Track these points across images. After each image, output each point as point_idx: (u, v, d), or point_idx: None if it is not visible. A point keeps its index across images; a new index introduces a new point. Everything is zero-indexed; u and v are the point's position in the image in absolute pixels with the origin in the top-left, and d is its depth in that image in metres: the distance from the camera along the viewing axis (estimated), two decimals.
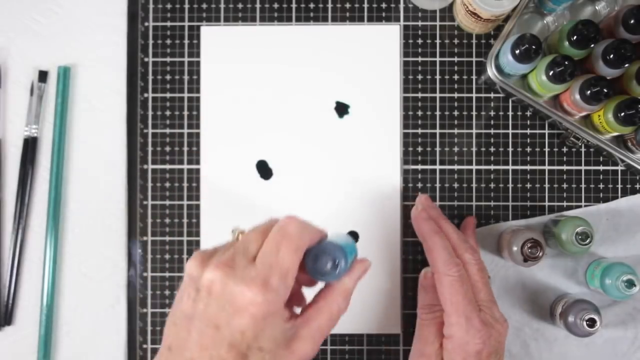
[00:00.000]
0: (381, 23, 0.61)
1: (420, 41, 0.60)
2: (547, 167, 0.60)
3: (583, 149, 0.60)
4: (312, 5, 0.61)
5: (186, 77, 0.61)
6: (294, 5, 0.61)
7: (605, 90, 0.51)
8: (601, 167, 0.60)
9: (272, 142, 0.60)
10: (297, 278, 0.42)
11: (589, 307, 0.54)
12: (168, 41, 0.61)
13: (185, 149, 0.61)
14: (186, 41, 0.61)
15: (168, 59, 0.61)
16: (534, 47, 0.51)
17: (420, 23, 0.61)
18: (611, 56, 0.50)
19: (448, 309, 0.49)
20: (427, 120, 0.60)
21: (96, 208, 0.61)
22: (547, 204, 0.60)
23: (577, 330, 0.54)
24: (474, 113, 0.60)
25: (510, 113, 0.60)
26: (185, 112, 0.61)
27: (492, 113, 0.60)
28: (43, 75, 0.60)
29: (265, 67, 0.61)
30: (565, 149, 0.60)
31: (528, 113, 0.60)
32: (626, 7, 0.51)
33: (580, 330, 0.54)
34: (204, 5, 0.61)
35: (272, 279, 0.37)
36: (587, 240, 0.53)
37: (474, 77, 0.60)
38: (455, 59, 0.60)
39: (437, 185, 0.60)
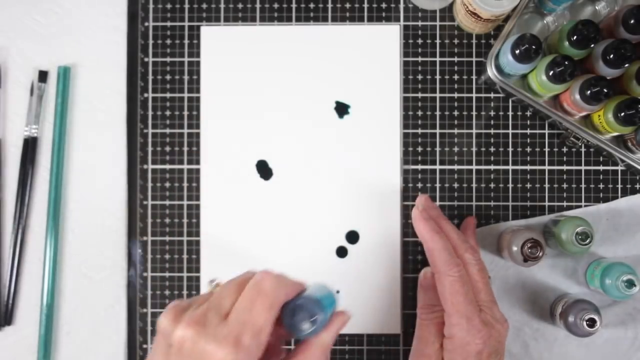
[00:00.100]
0: (381, 23, 0.61)
1: (420, 41, 0.60)
2: (547, 167, 0.60)
3: (583, 149, 0.60)
4: (312, 5, 0.61)
5: (186, 77, 0.61)
6: (294, 5, 0.61)
7: (605, 90, 0.51)
8: (601, 167, 0.60)
9: (272, 142, 0.60)
10: (274, 332, 0.41)
11: (589, 307, 0.54)
12: (168, 41, 0.61)
13: (185, 149, 0.61)
14: (186, 41, 0.61)
15: (168, 59, 0.61)
16: (534, 47, 0.51)
17: (420, 23, 0.61)
18: (611, 56, 0.50)
19: (449, 310, 0.49)
20: (427, 120, 0.60)
21: (96, 208, 0.61)
22: (547, 204, 0.60)
23: (577, 330, 0.54)
24: (474, 113, 0.60)
25: (510, 113, 0.60)
26: (185, 112, 0.61)
27: (492, 113, 0.60)
28: (43, 75, 0.60)
29: (265, 67, 0.61)
30: (565, 149, 0.60)
31: (528, 113, 0.60)
32: (626, 7, 0.51)
33: (580, 330, 0.54)
34: (204, 5, 0.61)
35: (244, 337, 0.36)
36: (587, 240, 0.53)
37: (474, 77, 0.60)
38: (455, 59, 0.60)
39: (437, 185, 0.60)
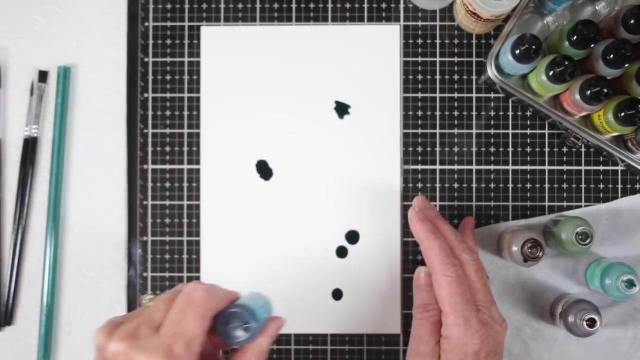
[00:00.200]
0: (381, 23, 0.61)
1: (420, 41, 0.60)
2: (547, 167, 0.60)
3: (583, 149, 0.60)
4: (312, 5, 0.61)
5: (186, 77, 0.61)
6: (294, 5, 0.61)
7: (605, 90, 0.51)
8: (601, 167, 0.60)
9: (272, 142, 0.60)
10: (211, 342, 0.42)
11: (589, 307, 0.54)
12: (168, 41, 0.61)
13: (185, 149, 0.61)
14: (186, 41, 0.61)
15: (168, 59, 0.61)
16: (534, 47, 0.51)
17: (420, 23, 0.60)
18: (611, 56, 0.50)
19: (446, 310, 0.49)
20: (427, 120, 0.60)
21: (96, 208, 0.61)
22: (547, 204, 0.60)
23: (577, 330, 0.54)
24: (474, 113, 0.60)
25: (510, 113, 0.60)
26: (185, 112, 0.61)
27: (492, 113, 0.60)
28: (43, 75, 0.60)
29: (265, 67, 0.61)
30: (565, 149, 0.60)
31: (528, 113, 0.60)
32: (626, 7, 0.51)
33: (580, 330, 0.54)
34: (204, 5, 0.61)
35: (175, 348, 0.37)
36: (587, 240, 0.53)
37: (474, 77, 0.60)
38: (455, 59, 0.60)
39: (437, 185, 0.60)
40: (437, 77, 0.60)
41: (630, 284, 0.52)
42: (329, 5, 0.61)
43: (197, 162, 0.61)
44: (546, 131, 0.60)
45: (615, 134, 0.55)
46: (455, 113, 0.60)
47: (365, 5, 0.61)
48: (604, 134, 0.56)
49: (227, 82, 0.61)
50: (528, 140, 0.60)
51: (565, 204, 0.60)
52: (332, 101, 0.60)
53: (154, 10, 0.61)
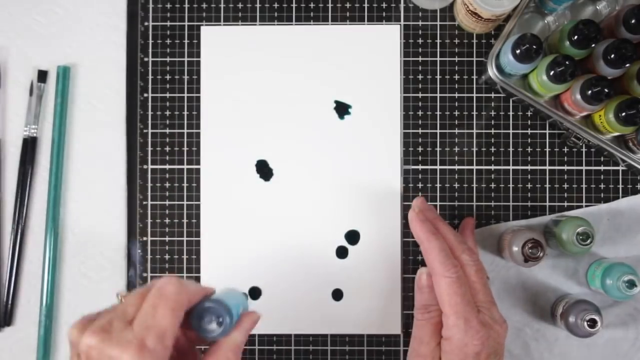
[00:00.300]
0: (381, 23, 0.61)
1: (420, 41, 0.60)
2: (547, 167, 0.60)
3: (584, 149, 0.60)
4: (312, 5, 0.61)
5: (186, 77, 0.61)
6: (294, 5, 0.61)
7: (606, 90, 0.50)
8: (602, 167, 0.60)
9: (272, 142, 0.60)
10: (187, 337, 0.43)
11: (589, 307, 0.54)
12: (168, 41, 0.61)
13: (185, 149, 0.61)
14: (186, 41, 0.61)
15: (168, 59, 0.61)
16: (534, 47, 0.51)
17: (420, 23, 0.60)
18: (612, 56, 0.50)
19: (446, 311, 0.49)
20: (427, 120, 0.60)
21: (96, 208, 0.61)
22: (547, 204, 0.60)
23: (578, 330, 0.54)
24: (474, 113, 0.60)
25: (510, 113, 0.60)
26: (185, 112, 0.61)
27: (492, 113, 0.60)
28: (42, 75, 0.60)
29: (265, 67, 0.60)
30: (566, 149, 0.60)
31: (529, 113, 0.60)
32: (627, 7, 0.51)
33: (581, 331, 0.54)
34: (204, 5, 0.61)
35: (148, 340, 0.37)
36: (588, 241, 0.52)
37: (474, 77, 0.60)
38: (456, 58, 0.60)
39: (437, 185, 0.60)
40: (438, 77, 0.60)
41: (631, 284, 0.52)
42: (329, 5, 0.61)
43: (197, 162, 0.61)
44: (547, 131, 0.60)
45: (616, 134, 0.55)
46: (456, 113, 0.60)
47: (366, 5, 0.61)
48: (604, 134, 0.56)
49: (227, 82, 0.61)
50: (529, 141, 0.60)
51: (566, 204, 0.60)
52: (332, 101, 0.60)
53: (153, 10, 0.61)
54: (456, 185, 0.60)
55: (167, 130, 0.61)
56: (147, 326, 0.38)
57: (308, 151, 0.60)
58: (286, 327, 0.60)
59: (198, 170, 0.61)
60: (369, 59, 0.60)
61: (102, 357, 0.37)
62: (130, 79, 0.61)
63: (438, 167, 0.60)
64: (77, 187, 0.61)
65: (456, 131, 0.60)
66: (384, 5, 0.61)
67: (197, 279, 0.60)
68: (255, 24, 0.61)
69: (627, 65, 0.51)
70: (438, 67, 0.60)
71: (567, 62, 0.50)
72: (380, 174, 0.60)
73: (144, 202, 0.61)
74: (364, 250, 0.60)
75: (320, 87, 0.60)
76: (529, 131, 0.60)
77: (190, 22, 0.61)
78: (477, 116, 0.60)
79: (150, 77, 0.61)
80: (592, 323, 0.53)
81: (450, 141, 0.60)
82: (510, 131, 0.60)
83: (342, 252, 0.60)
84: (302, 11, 0.61)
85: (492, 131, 0.60)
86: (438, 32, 0.60)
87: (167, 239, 0.61)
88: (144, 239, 0.61)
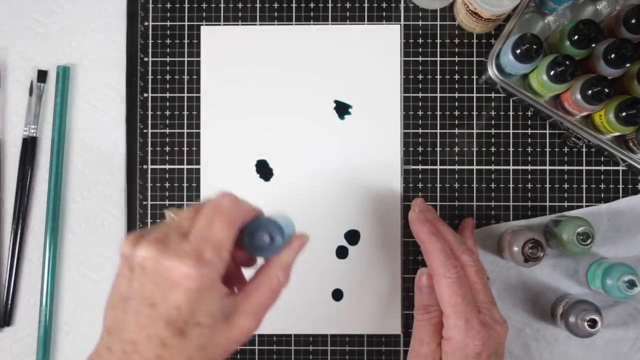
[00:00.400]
0: (381, 23, 0.60)
1: (420, 41, 0.60)
2: (548, 167, 0.60)
3: (584, 149, 0.60)
4: (312, 5, 0.61)
5: (186, 77, 0.61)
6: (294, 5, 0.61)
7: (606, 90, 0.50)
8: (602, 167, 0.60)
9: (272, 142, 0.60)
10: (235, 257, 0.42)
11: (590, 307, 0.54)
12: (168, 41, 0.61)
13: (185, 149, 0.61)
14: (186, 41, 0.61)
15: (168, 59, 0.61)
16: (534, 46, 0.51)
17: (420, 23, 0.60)
18: (612, 56, 0.50)
19: (447, 311, 0.49)
20: (427, 120, 0.60)
21: (96, 208, 0.61)
22: (548, 204, 0.60)
23: (578, 330, 0.54)
24: (474, 113, 0.60)
25: (511, 113, 0.60)
26: (185, 112, 0.61)
27: (492, 113, 0.60)
28: (42, 75, 0.60)
29: (265, 67, 0.60)
30: (566, 149, 0.60)
31: (529, 113, 0.60)
32: (627, 7, 0.51)
33: (581, 331, 0.53)
34: (204, 5, 0.61)
35: (205, 253, 0.37)
36: (588, 241, 0.52)
37: (474, 77, 0.60)
38: (456, 58, 0.60)
39: (437, 185, 0.60)
40: (438, 77, 0.60)
41: (632, 284, 0.52)
42: (329, 5, 0.61)
43: (197, 162, 0.61)
44: (547, 131, 0.60)
45: (617, 134, 0.55)
46: (456, 113, 0.60)
47: (366, 5, 0.61)
48: (605, 134, 0.56)
49: (227, 82, 0.61)
50: (529, 140, 0.60)
51: (566, 204, 0.60)
52: (332, 101, 0.60)
53: (153, 10, 0.61)
54: (456, 185, 0.60)
55: (167, 130, 0.61)
56: (204, 238, 0.37)
57: (308, 151, 0.60)
58: (286, 327, 0.60)
59: (198, 170, 0.61)
60: (369, 58, 0.60)
61: (158, 268, 0.36)
62: (130, 79, 0.61)
63: (438, 167, 0.60)
64: (77, 187, 0.61)
65: (456, 131, 0.60)
66: (384, 5, 0.61)
67: None
68: (255, 24, 0.61)
69: (627, 65, 0.51)
70: (438, 67, 0.60)
71: (567, 62, 0.50)
72: (380, 174, 0.60)
73: (144, 202, 0.61)
74: (364, 250, 0.60)
75: (320, 87, 0.60)
76: (529, 131, 0.60)
77: (190, 22, 0.61)
78: (477, 116, 0.60)
79: (150, 77, 0.61)
80: (592, 323, 0.53)
81: (450, 141, 0.60)
82: (510, 131, 0.60)
83: (342, 252, 0.60)
84: (302, 11, 0.61)
85: (492, 131, 0.60)
86: (438, 32, 0.60)
87: None
88: None
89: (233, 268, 0.43)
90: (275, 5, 0.61)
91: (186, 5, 0.61)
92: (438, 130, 0.60)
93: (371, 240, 0.60)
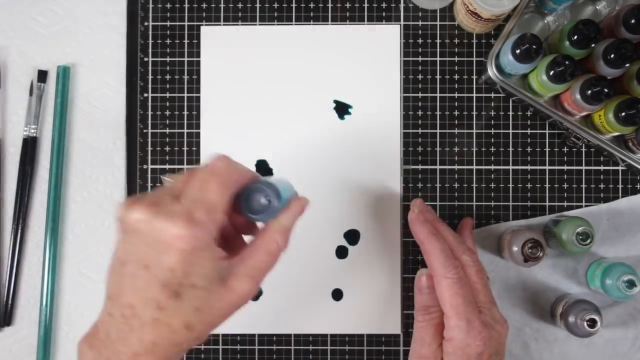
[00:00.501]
0: (381, 23, 0.61)
1: (420, 41, 0.60)
2: (547, 167, 0.60)
3: (584, 149, 0.60)
4: (312, 5, 0.61)
5: (186, 77, 0.61)
6: (294, 5, 0.61)
7: (605, 90, 0.50)
8: (602, 167, 0.60)
9: (272, 142, 0.60)
10: (234, 223, 0.42)
11: (589, 307, 0.54)
12: (168, 41, 0.61)
13: (185, 149, 0.61)
14: (186, 41, 0.61)
15: (168, 59, 0.61)
16: (534, 46, 0.51)
17: (420, 23, 0.60)
18: (612, 56, 0.50)
19: (448, 312, 0.49)
20: (427, 120, 0.60)
21: (96, 208, 0.61)
22: (547, 204, 0.60)
23: (578, 330, 0.54)
24: (474, 113, 0.60)
25: (510, 113, 0.60)
26: (185, 112, 0.61)
27: (492, 113, 0.60)
28: (42, 75, 0.60)
29: (265, 67, 0.60)
30: (565, 149, 0.60)
31: (528, 113, 0.60)
32: (627, 7, 0.51)
33: (581, 331, 0.54)
34: (204, 5, 0.61)
35: (197, 214, 0.37)
36: (588, 241, 0.52)
37: (474, 77, 0.60)
38: (456, 58, 0.60)
39: (437, 185, 0.60)
40: (437, 77, 0.60)
41: (631, 284, 0.52)
42: (329, 5, 0.61)
43: (197, 162, 0.61)
44: (547, 131, 0.60)
45: (616, 133, 0.55)
46: (456, 113, 0.60)
47: (365, 5, 0.61)
48: (604, 133, 0.56)
49: (227, 82, 0.61)
50: (528, 140, 0.60)
51: (565, 204, 0.60)
52: (332, 101, 0.60)
53: (153, 10, 0.61)
54: (456, 185, 0.60)
55: (167, 130, 0.61)
56: (196, 200, 0.37)
57: (308, 151, 0.60)
58: (286, 327, 0.60)
59: None
60: (369, 58, 0.60)
61: (150, 229, 0.36)
62: (130, 79, 0.61)
63: (438, 167, 0.60)
64: (77, 187, 0.61)
65: (456, 131, 0.60)
66: (384, 5, 0.61)
67: None
68: (255, 24, 0.61)
69: (627, 65, 0.51)
70: (438, 67, 0.60)
71: (567, 62, 0.51)
72: (380, 174, 0.60)
73: None
74: (364, 250, 0.60)
75: (320, 87, 0.60)
76: (529, 131, 0.60)
77: (190, 22, 0.61)
78: (477, 116, 0.60)
79: (150, 77, 0.61)
80: (592, 323, 0.53)
81: (450, 141, 0.60)
82: (510, 131, 0.60)
83: (342, 252, 0.60)
84: (302, 11, 0.61)
85: (492, 131, 0.60)
86: (438, 32, 0.60)
87: None
88: None
89: (233, 234, 0.42)
90: (275, 5, 0.61)
91: (186, 5, 0.61)
92: (438, 130, 0.60)
93: (371, 240, 0.60)
